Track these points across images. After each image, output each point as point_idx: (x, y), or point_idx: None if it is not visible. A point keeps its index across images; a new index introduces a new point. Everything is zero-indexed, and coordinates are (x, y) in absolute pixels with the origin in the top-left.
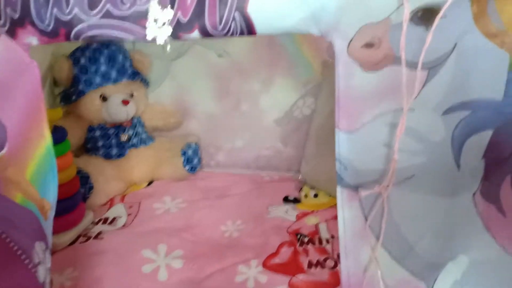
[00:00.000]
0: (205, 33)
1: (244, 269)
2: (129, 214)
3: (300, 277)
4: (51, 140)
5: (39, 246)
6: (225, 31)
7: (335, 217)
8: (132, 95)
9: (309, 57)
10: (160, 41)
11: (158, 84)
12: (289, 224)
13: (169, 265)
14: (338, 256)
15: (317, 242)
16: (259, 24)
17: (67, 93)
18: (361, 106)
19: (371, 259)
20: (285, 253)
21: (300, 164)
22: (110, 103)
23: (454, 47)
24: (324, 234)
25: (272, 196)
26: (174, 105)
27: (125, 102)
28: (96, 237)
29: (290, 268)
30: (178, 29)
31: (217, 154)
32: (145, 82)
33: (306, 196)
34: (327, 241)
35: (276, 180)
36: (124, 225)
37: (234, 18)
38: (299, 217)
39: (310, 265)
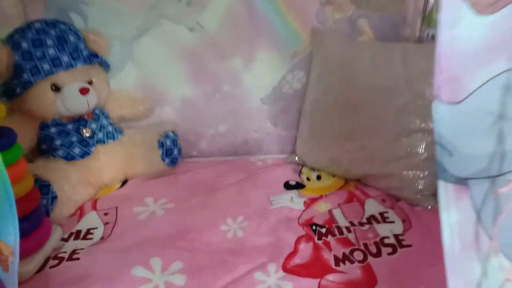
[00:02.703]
0: None
1: (262, 276)
2: (106, 224)
3: (330, 277)
4: (1, 161)
5: None
6: None
7: (348, 200)
8: (90, 82)
9: (296, 25)
10: None
11: (119, 68)
12: (298, 214)
13: (170, 283)
14: (365, 245)
15: (336, 232)
16: None
17: (9, 86)
18: (469, 66)
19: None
20: (305, 251)
21: (293, 145)
22: (65, 93)
23: None
24: (342, 221)
25: (270, 183)
26: (141, 90)
27: (84, 91)
28: (70, 257)
29: (315, 268)
30: None
31: (198, 142)
32: (105, 66)
33: (308, 179)
34: (348, 230)
35: (269, 165)
36: (102, 238)
37: None
38: (308, 205)
39: (337, 261)
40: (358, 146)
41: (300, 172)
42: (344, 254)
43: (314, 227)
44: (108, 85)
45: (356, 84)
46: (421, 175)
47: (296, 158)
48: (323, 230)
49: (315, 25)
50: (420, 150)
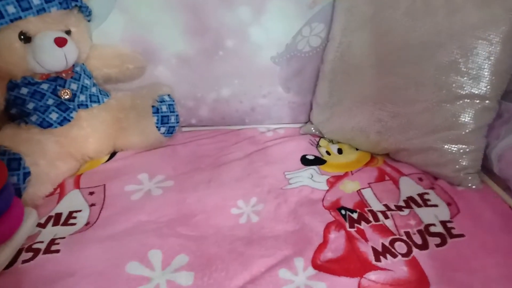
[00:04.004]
0: None
1: (288, 274)
2: (91, 205)
3: (372, 276)
4: None
5: None
6: None
7: (379, 179)
8: (68, 32)
9: None
10: None
11: (102, 17)
12: (321, 195)
13: (174, 283)
14: (407, 235)
15: (370, 217)
16: None
17: None
18: None
19: None
20: (337, 241)
21: (309, 113)
22: (36, 44)
23: None
24: (375, 204)
25: (285, 157)
26: (129, 45)
27: (60, 42)
28: (48, 249)
29: (352, 264)
30: None
31: (198, 108)
32: (86, 12)
33: (328, 153)
34: (384, 215)
35: (281, 136)
36: (87, 224)
37: None
38: (332, 183)
39: (376, 255)
40: (390, 114)
41: (317, 145)
42: (383, 245)
43: (343, 212)
44: (90, 36)
45: (389, 38)
46: (467, 150)
47: (312, 128)
48: (355, 215)
49: None
50: (467, 120)
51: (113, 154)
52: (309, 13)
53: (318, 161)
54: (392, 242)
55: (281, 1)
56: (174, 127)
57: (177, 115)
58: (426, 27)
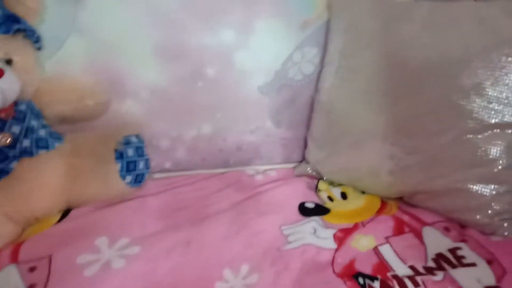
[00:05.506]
0: None
1: None
2: (30, 287)
3: None
4: None
5: None
6: None
7: (398, 231)
8: (9, 61)
9: None
10: None
11: (59, 43)
12: (330, 256)
13: None
14: None
15: (397, 286)
16: None
17: None
18: None
19: None
20: None
21: (303, 150)
22: None
23: None
24: (399, 267)
25: (280, 207)
26: (92, 75)
27: None
28: None
29: None
30: None
31: (174, 150)
32: (33, 37)
33: (331, 199)
34: (413, 282)
35: (273, 179)
36: None
37: None
38: (341, 240)
39: None
40: (405, 149)
41: (316, 189)
42: None
43: (361, 280)
44: (40, 67)
45: (403, 56)
46: (501, 190)
47: (308, 168)
48: (376, 285)
49: None
50: (498, 154)
51: (66, 212)
52: (301, 35)
53: (320, 209)
54: None
55: (269, 22)
56: (143, 174)
57: (147, 160)
58: (451, 42)
